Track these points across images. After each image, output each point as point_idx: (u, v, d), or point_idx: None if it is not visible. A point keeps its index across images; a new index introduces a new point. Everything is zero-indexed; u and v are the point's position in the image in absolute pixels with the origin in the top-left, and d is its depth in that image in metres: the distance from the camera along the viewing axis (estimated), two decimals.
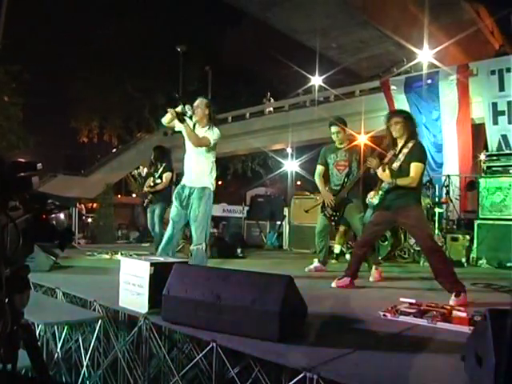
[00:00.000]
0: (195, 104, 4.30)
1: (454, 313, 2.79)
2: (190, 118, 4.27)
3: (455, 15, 16.72)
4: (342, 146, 5.06)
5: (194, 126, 4.31)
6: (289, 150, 17.28)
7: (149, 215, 6.49)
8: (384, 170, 3.79)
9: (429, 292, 3.88)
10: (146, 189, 6.44)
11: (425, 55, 11.73)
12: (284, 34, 17.86)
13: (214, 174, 4.36)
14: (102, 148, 22.47)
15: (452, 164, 9.94)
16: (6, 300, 1.42)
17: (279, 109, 15.86)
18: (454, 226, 7.52)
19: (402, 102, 10.58)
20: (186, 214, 4.30)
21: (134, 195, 19.38)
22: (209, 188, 4.27)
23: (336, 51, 18.78)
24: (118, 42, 18.20)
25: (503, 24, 16.87)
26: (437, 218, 6.55)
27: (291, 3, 15.51)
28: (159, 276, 2.68)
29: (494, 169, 6.74)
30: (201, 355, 2.40)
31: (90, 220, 11.84)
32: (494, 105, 9.41)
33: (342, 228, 5.99)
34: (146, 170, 6.77)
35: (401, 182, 3.72)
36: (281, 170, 18.36)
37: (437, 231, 6.42)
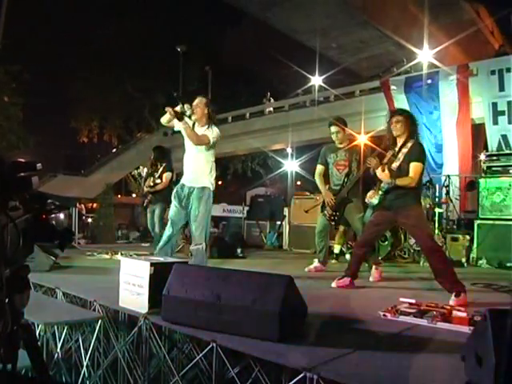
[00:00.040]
0: (194, 103, 4.30)
1: (454, 313, 2.79)
2: (189, 117, 4.27)
3: (455, 15, 16.71)
4: (342, 145, 5.06)
5: (194, 125, 4.31)
6: (289, 150, 17.29)
7: (149, 215, 6.50)
8: (383, 170, 3.80)
9: (429, 292, 3.88)
10: (145, 189, 6.44)
11: (425, 55, 11.72)
12: (284, 33, 17.85)
13: (214, 174, 4.36)
14: (101, 148, 22.47)
15: (452, 164, 9.94)
16: (6, 300, 1.42)
17: (279, 109, 15.85)
18: (454, 226, 7.52)
19: (401, 102, 10.57)
20: (185, 213, 4.30)
21: (133, 195, 19.38)
22: (208, 188, 4.27)
23: (336, 51, 18.78)
24: (118, 42, 18.18)
25: (503, 24, 16.87)
26: (437, 218, 6.55)
27: (291, 3, 15.50)
28: (159, 276, 2.69)
29: (493, 169, 6.75)
30: (201, 355, 2.40)
31: (90, 220, 11.83)
32: (494, 105, 9.41)
33: (341, 228, 5.99)
34: (146, 169, 6.77)
35: (400, 182, 3.72)
36: (281, 170, 18.37)
37: (437, 231, 6.42)
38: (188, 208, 4.26)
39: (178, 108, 4.23)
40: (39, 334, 2.80)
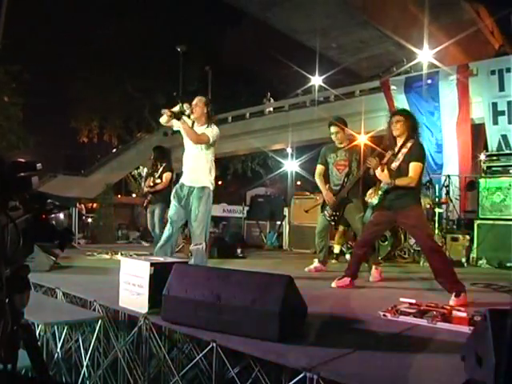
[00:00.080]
0: (193, 102, 4.31)
1: (454, 313, 2.79)
2: (189, 116, 4.27)
3: (455, 15, 16.71)
4: (342, 145, 5.06)
5: (193, 124, 4.31)
6: (289, 150, 17.28)
7: (148, 216, 6.50)
8: (382, 170, 3.79)
9: (429, 292, 3.88)
10: (145, 189, 6.44)
11: (425, 55, 11.72)
12: (284, 33, 17.84)
13: (214, 173, 4.36)
14: (102, 148, 22.46)
15: (452, 164, 9.93)
16: (7, 300, 1.42)
17: (279, 109, 15.85)
18: (454, 226, 7.52)
19: (401, 102, 10.56)
20: (185, 212, 4.30)
21: (134, 195, 19.39)
22: (208, 187, 4.27)
23: (336, 51, 18.78)
24: (118, 42, 18.18)
25: (503, 24, 16.88)
26: (437, 218, 6.55)
27: (291, 3, 15.50)
28: (159, 276, 2.69)
29: (493, 169, 6.75)
30: (201, 355, 2.40)
31: (90, 220, 11.81)
32: (494, 105, 9.41)
33: (341, 228, 5.99)
34: (146, 169, 6.77)
35: (400, 182, 3.72)
36: (281, 170, 18.37)
37: (437, 231, 6.42)
38: (188, 208, 4.26)
39: (177, 107, 4.24)
40: (39, 334, 2.80)
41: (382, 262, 5.31)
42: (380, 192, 3.83)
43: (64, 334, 2.89)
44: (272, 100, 17.07)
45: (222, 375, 2.34)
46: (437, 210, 6.63)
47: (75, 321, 2.87)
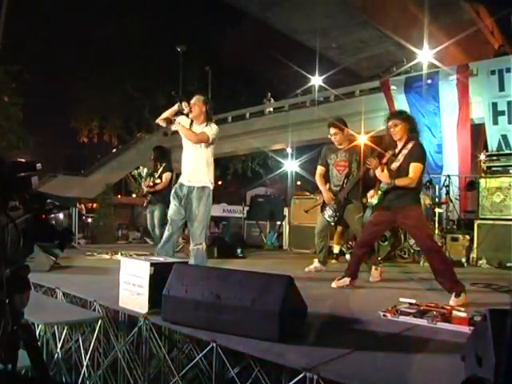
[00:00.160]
0: (192, 101, 4.30)
1: (454, 313, 2.79)
2: (187, 115, 4.27)
3: (455, 15, 16.72)
4: (342, 146, 5.06)
5: (192, 123, 4.31)
6: (289, 150, 17.29)
7: (148, 216, 6.49)
8: (382, 171, 3.79)
9: (429, 292, 3.88)
10: (145, 189, 6.43)
11: (425, 55, 11.73)
12: (284, 33, 17.85)
13: (213, 173, 4.36)
14: (102, 148, 22.46)
15: (452, 164, 9.94)
16: (7, 300, 1.42)
17: (279, 109, 15.86)
18: (454, 226, 7.52)
19: (401, 102, 10.58)
20: (184, 212, 4.29)
21: (134, 195, 19.38)
22: (208, 187, 4.26)
23: (336, 51, 18.78)
24: (118, 42, 18.20)
25: (503, 24, 16.88)
26: (437, 218, 6.55)
27: (291, 3, 15.50)
28: (159, 276, 2.69)
29: (493, 169, 6.75)
30: (201, 355, 2.40)
31: (90, 220, 11.83)
32: (494, 105, 9.42)
33: (339, 228, 5.99)
34: (146, 169, 6.77)
35: (400, 182, 3.72)
36: (281, 170, 18.37)
37: (437, 231, 6.42)
38: (187, 207, 4.26)
39: (175, 107, 4.26)
40: (39, 334, 2.80)
41: (382, 262, 5.31)
42: (380, 192, 3.83)
43: (64, 334, 2.89)
44: (272, 100, 17.07)
45: (222, 375, 2.34)
46: (437, 210, 6.62)
47: (75, 321, 2.87)
